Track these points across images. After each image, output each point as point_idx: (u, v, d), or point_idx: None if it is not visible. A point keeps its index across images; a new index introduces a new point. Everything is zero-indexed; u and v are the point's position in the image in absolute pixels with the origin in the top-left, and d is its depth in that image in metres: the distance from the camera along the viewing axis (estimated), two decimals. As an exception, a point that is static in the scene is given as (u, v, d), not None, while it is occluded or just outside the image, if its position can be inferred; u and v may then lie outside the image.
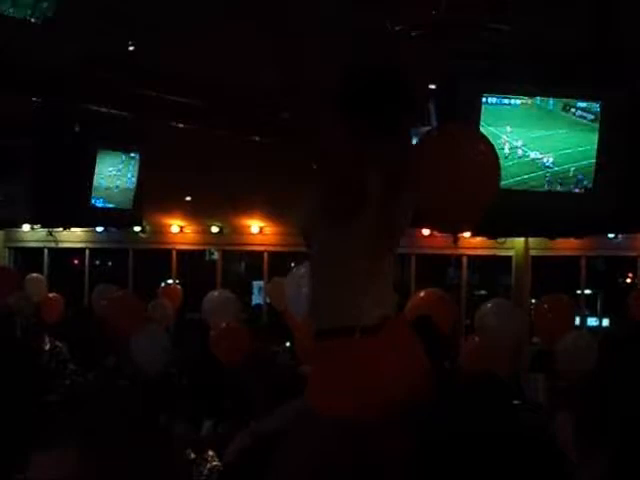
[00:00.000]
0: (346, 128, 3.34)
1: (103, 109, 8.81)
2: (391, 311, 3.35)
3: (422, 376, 3.31)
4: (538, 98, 6.22)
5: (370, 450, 3.22)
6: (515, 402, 6.99)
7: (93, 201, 9.58)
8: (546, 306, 8.87)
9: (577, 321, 12.83)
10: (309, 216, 3.38)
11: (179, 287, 12.81)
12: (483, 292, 15.05)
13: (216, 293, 10.23)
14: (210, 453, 5.53)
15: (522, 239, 11.10)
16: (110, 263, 16.11)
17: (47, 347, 7.97)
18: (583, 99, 6.29)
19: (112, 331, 9.04)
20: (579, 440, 3.72)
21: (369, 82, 3.37)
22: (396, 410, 3.19)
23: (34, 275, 12.36)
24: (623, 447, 3.50)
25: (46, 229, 11.85)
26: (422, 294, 8.29)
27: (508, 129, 6.18)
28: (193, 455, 5.56)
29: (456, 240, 4.29)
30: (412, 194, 3.49)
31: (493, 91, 6.15)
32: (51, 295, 12.09)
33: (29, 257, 14.04)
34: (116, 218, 10.16)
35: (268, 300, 12.58)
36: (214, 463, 5.44)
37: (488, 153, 3.90)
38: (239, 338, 8.66)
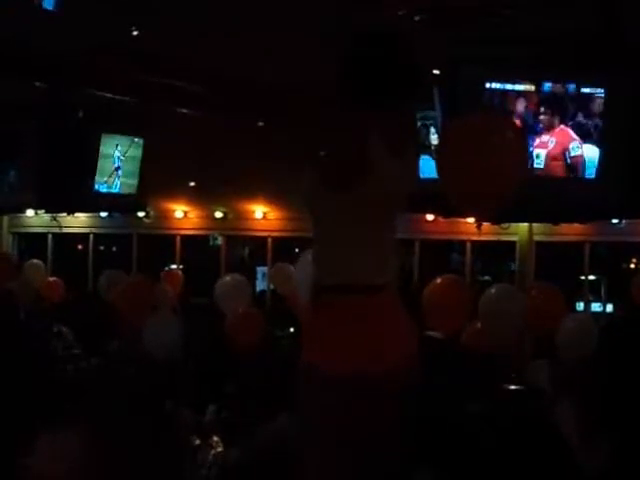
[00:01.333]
0: (347, 94, 3.37)
1: (107, 95, 8.79)
2: (392, 277, 3.40)
3: (413, 343, 3.37)
4: (541, 84, 6.21)
5: (370, 408, 3.24)
6: (517, 388, 6.99)
7: (97, 186, 9.59)
8: (534, 293, 8.83)
9: (581, 307, 12.88)
10: (311, 186, 3.39)
11: (180, 272, 12.80)
12: (487, 278, 15.06)
13: (228, 278, 10.15)
14: (215, 439, 5.54)
15: (526, 225, 11.08)
16: (114, 248, 16.12)
17: (55, 331, 7.98)
18: (587, 85, 6.27)
19: (117, 316, 9.04)
20: (580, 426, 3.73)
21: (370, 47, 3.39)
22: (395, 370, 3.24)
23: (34, 261, 12.37)
24: (624, 432, 3.51)
25: (50, 214, 11.85)
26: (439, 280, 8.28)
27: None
28: (198, 441, 5.57)
29: (479, 226, 4.31)
30: (413, 160, 3.53)
31: (496, 77, 6.14)
32: (51, 279, 12.10)
33: (33, 242, 14.05)
34: (120, 203, 10.17)
35: (272, 286, 12.56)
36: (219, 449, 5.44)
37: (518, 141, 3.94)
38: (256, 323, 8.66)
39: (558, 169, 6.39)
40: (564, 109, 6.30)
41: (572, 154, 6.33)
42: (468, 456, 2.63)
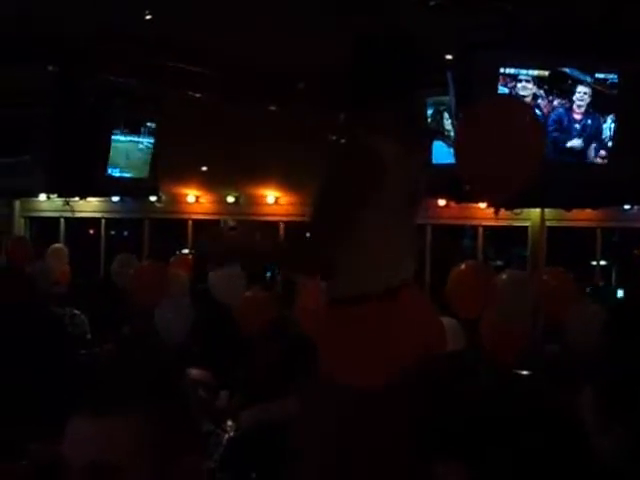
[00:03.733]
0: (355, 101, 3.38)
1: (119, 79, 8.82)
2: (409, 276, 3.38)
3: (437, 342, 3.36)
4: (555, 69, 6.21)
5: (384, 418, 3.23)
6: (527, 373, 7.00)
7: (109, 170, 9.60)
8: (546, 277, 8.81)
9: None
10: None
11: (190, 257, 12.79)
12: (499, 263, 15.03)
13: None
14: (229, 423, 5.54)
15: (538, 210, 11.06)
16: (126, 233, 16.13)
17: (69, 315, 8.01)
18: (601, 70, 6.26)
19: (129, 301, 9.05)
20: (597, 413, 3.73)
21: (377, 49, 3.39)
22: (411, 376, 3.22)
23: (56, 245, 12.36)
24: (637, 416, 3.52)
25: (62, 199, 11.87)
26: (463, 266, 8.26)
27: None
28: (212, 426, 5.58)
29: (497, 212, 4.35)
30: (424, 159, 3.53)
31: (510, 62, 6.13)
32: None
33: (45, 227, 14.07)
34: (132, 187, 10.18)
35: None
36: (232, 433, 5.44)
37: (536, 125, 3.96)
38: (265, 307, 8.65)
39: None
40: (577, 94, 6.29)
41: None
42: (493, 445, 2.63)
